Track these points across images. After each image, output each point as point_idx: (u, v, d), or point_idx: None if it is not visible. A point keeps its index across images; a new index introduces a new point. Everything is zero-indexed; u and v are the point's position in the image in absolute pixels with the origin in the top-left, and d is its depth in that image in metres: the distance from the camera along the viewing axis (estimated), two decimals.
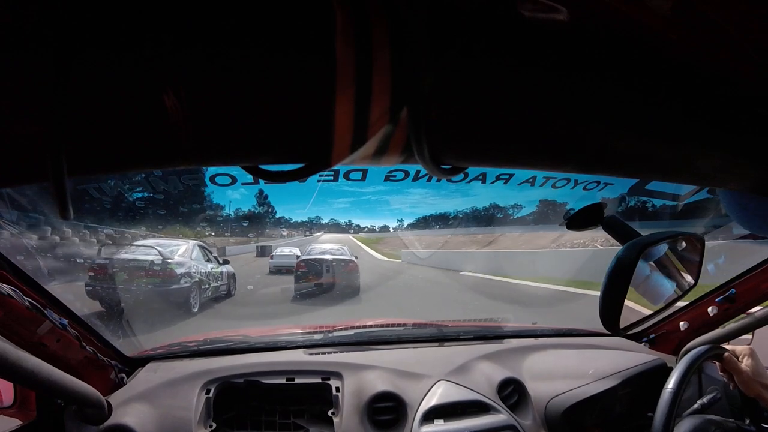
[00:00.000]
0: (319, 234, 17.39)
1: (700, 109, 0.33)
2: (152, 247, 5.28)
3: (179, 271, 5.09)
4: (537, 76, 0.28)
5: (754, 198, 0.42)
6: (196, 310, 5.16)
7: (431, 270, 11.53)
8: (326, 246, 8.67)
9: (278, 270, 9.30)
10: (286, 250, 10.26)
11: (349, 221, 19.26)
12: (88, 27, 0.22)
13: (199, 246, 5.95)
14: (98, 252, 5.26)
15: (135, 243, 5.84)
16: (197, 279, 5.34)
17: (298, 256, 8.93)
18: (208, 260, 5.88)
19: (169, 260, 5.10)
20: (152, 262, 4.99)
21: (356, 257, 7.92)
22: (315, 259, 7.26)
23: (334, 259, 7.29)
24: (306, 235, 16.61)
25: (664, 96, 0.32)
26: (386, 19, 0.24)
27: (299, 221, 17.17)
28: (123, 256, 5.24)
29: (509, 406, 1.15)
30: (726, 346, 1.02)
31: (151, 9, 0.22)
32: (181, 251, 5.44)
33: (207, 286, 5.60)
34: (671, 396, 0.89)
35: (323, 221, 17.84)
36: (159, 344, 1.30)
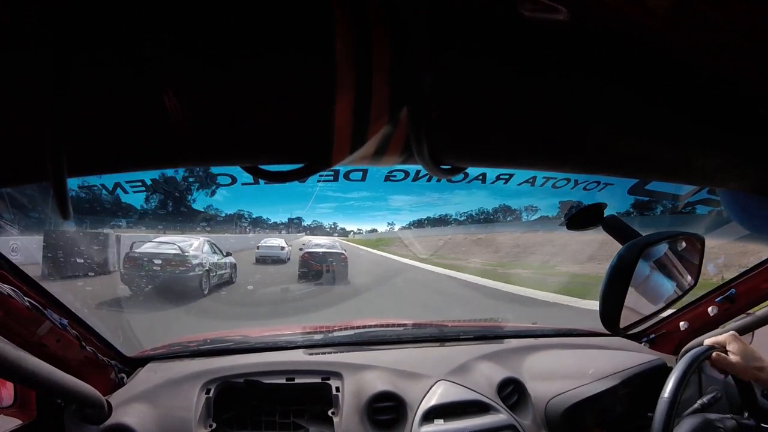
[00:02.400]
0: (299, 236, 15.96)
1: (700, 109, 0.33)
2: (173, 243, 6.50)
3: (194, 262, 6.30)
4: (537, 76, 0.28)
5: (754, 198, 0.42)
6: (206, 292, 6.40)
7: None
8: (321, 240, 10.15)
9: (264, 260, 10.03)
10: (272, 241, 10.87)
11: (334, 224, 18.01)
12: (88, 27, 0.22)
13: (208, 241, 7.13)
14: (130, 247, 6.32)
15: (157, 240, 7.04)
16: (207, 268, 6.54)
17: (282, 248, 10.26)
18: (215, 252, 7.05)
19: (186, 253, 6.29)
20: (174, 255, 6.22)
21: (345, 250, 9.50)
22: (317, 252, 8.86)
23: (331, 251, 8.99)
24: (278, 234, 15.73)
25: (664, 96, 0.32)
26: (386, 19, 0.24)
27: (277, 222, 15.89)
28: (150, 250, 6.36)
29: (509, 406, 1.15)
30: (708, 341, 1.01)
31: (150, 9, 0.22)
32: (195, 246, 6.62)
33: (214, 273, 6.80)
34: (669, 398, 0.89)
35: (304, 223, 16.42)
36: (159, 344, 1.30)
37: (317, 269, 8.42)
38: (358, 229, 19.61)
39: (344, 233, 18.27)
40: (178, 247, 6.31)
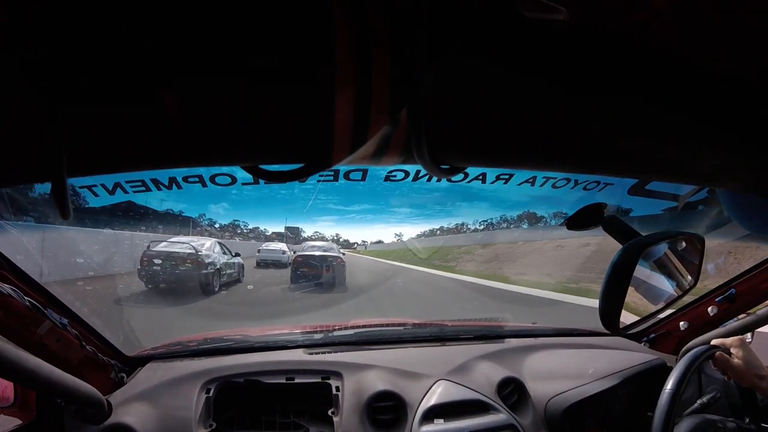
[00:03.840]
0: (295, 247, 15.16)
1: (700, 109, 0.33)
2: (186, 243, 6.91)
3: (207, 261, 6.73)
4: (537, 76, 0.29)
5: (754, 198, 0.42)
6: (217, 289, 6.85)
7: None
8: (318, 243, 10.02)
9: (265, 263, 10.19)
10: (273, 245, 11.06)
11: (336, 235, 17.05)
12: (88, 27, 0.22)
13: (218, 242, 7.56)
14: (148, 246, 6.66)
15: (172, 239, 7.36)
16: (218, 267, 6.98)
17: (283, 252, 10.20)
18: (224, 253, 7.45)
19: (199, 252, 6.70)
20: (188, 254, 6.62)
21: (344, 253, 9.35)
22: (311, 254, 8.51)
23: (327, 254, 8.59)
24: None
25: (664, 96, 0.32)
26: (386, 19, 0.24)
27: (275, 232, 14.90)
28: (166, 249, 6.75)
29: (509, 406, 1.15)
30: (716, 339, 1.02)
31: (150, 9, 0.22)
32: (207, 246, 7.06)
33: (224, 272, 7.24)
34: (670, 398, 0.89)
35: (304, 234, 15.22)
36: (159, 344, 1.30)
37: (311, 273, 8.03)
38: (363, 241, 19.03)
39: (348, 245, 17.53)
40: (192, 246, 6.75)
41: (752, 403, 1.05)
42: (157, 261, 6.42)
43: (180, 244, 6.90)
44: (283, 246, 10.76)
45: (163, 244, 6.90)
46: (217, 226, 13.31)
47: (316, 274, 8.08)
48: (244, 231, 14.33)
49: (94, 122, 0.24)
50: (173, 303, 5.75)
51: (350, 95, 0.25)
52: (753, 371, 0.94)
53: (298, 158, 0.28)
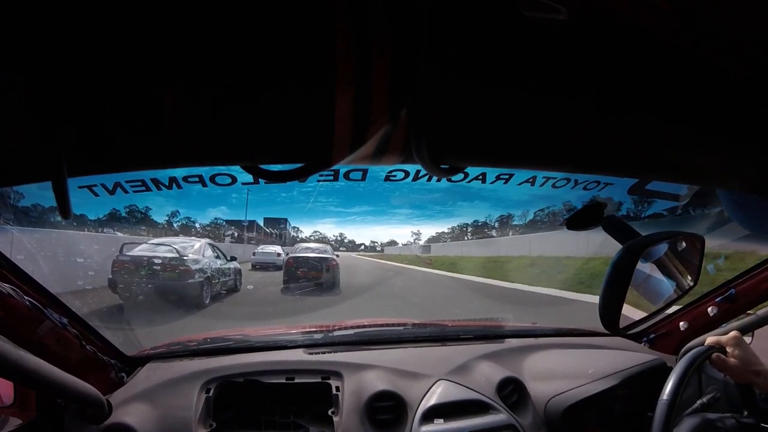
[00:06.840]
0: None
1: (700, 109, 0.33)
2: (170, 245, 5.74)
3: (194, 267, 5.59)
4: (536, 76, 0.28)
5: (754, 198, 0.42)
6: (207, 302, 5.66)
7: None
8: (312, 245, 9.68)
9: (260, 266, 10.00)
10: (269, 248, 10.92)
11: (340, 235, 16.06)
12: (88, 27, 0.22)
13: (210, 244, 6.52)
14: (120, 249, 5.57)
15: (152, 241, 6.26)
16: (209, 274, 5.84)
17: (278, 254, 9.99)
18: (218, 257, 6.40)
19: (185, 257, 5.57)
20: (171, 258, 5.48)
21: (337, 255, 8.89)
22: (304, 256, 8.18)
23: (320, 257, 8.22)
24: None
25: (664, 96, 0.32)
26: (386, 19, 0.24)
27: (234, 220, 13.13)
28: (144, 253, 5.62)
29: (509, 406, 1.15)
30: (711, 338, 1.02)
31: (151, 11, 0.22)
32: (195, 249, 5.99)
33: (217, 280, 6.12)
34: (669, 399, 0.89)
35: (302, 235, 14.11)
36: (159, 343, 1.31)
37: (304, 276, 7.74)
38: (372, 242, 17.73)
39: (354, 246, 16.41)
40: (176, 249, 5.60)
41: (751, 399, 1.05)
42: (133, 268, 5.26)
43: (162, 247, 5.69)
44: (278, 249, 10.68)
45: (141, 247, 5.75)
46: (198, 225, 12.59)
47: (309, 276, 7.77)
48: (226, 233, 13.22)
49: (95, 122, 0.24)
50: (153, 319, 4.63)
51: (350, 95, 0.25)
52: (749, 368, 0.94)
53: (298, 158, 0.29)
